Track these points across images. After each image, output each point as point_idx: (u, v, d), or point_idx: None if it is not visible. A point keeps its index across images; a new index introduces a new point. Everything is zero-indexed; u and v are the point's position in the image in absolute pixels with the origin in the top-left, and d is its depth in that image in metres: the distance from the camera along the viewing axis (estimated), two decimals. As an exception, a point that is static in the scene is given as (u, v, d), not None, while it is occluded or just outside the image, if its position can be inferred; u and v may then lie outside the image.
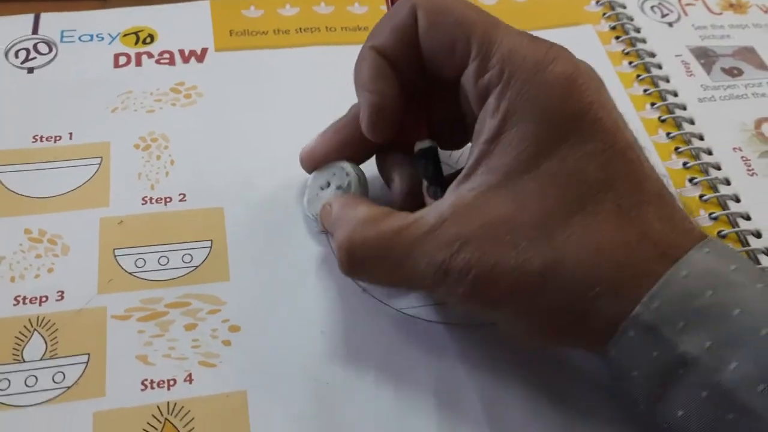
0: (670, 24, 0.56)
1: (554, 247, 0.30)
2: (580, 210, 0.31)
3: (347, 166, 0.39)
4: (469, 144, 0.35)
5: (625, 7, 0.57)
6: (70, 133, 0.44)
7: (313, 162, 0.41)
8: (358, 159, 0.40)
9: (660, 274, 0.29)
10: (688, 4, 0.58)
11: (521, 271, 0.30)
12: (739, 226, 0.44)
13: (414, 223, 0.33)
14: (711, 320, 0.29)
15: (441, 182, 0.36)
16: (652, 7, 0.57)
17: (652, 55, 0.53)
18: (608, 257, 0.30)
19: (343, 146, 0.40)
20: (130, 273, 0.38)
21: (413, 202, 0.36)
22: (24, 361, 0.35)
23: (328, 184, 0.40)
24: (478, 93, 0.33)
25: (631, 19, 0.56)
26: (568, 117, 0.31)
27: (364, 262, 0.34)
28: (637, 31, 0.55)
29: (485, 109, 0.33)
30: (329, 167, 0.40)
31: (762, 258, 0.42)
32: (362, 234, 0.34)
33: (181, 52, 0.50)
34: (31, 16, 0.51)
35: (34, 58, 0.49)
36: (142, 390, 0.35)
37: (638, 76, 0.52)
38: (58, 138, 0.44)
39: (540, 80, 0.32)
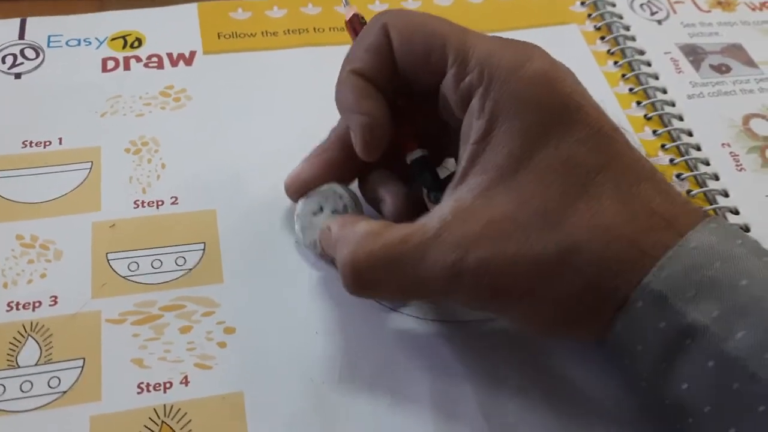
0: (659, 22, 0.57)
1: (565, 232, 0.31)
2: (583, 194, 0.31)
3: (339, 188, 0.39)
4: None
5: (614, 6, 0.57)
6: (60, 138, 0.44)
7: (301, 187, 0.40)
8: (345, 181, 0.40)
9: (669, 245, 0.30)
10: (676, 2, 0.59)
11: (539, 260, 0.31)
12: (728, 221, 0.44)
13: (418, 230, 0.33)
14: (719, 290, 0.29)
15: (441, 188, 0.36)
16: (641, 5, 0.57)
17: (641, 52, 0.54)
18: (618, 234, 0.30)
19: (330, 168, 0.39)
20: (123, 277, 0.38)
21: (407, 220, 0.36)
22: (19, 367, 0.35)
23: (321, 209, 0.39)
24: (459, 97, 0.34)
25: (621, 18, 0.56)
26: (553, 108, 0.32)
27: (371, 277, 0.34)
28: (626, 29, 0.55)
29: (470, 112, 0.33)
30: (318, 192, 0.39)
31: (753, 252, 0.42)
32: (366, 248, 0.33)
33: (170, 55, 0.50)
34: (17, 21, 0.51)
35: (21, 63, 0.48)
36: (139, 393, 0.34)
37: (624, 75, 0.52)
38: (47, 143, 0.44)
39: (520, 77, 0.32)
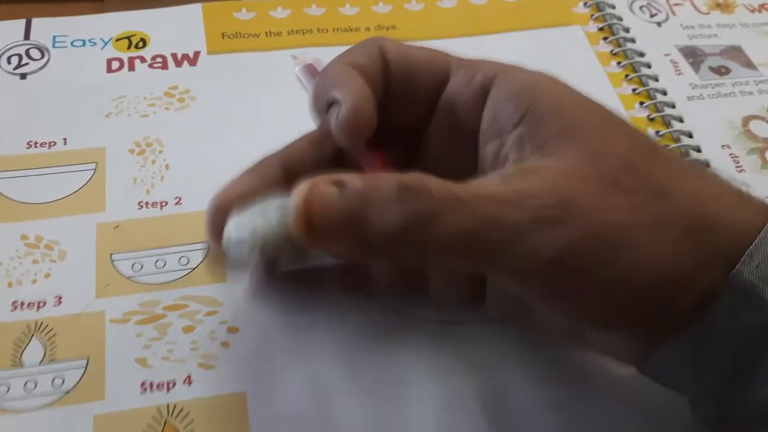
0: (659, 24, 0.57)
1: (662, 189, 0.28)
2: (660, 159, 0.29)
3: (279, 198, 0.29)
4: None
5: (614, 8, 0.57)
6: (65, 139, 0.44)
7: (230, 205, 0.32)
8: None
9: (757, 228, 0.27)
10: (676, 4, 0.59)
11: (646, 224, 0.27)
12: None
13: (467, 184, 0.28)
14: None
15: None
16: (641, 8, 0.58)
17: (641, 54, 0.54)
18: (706, 206, 0.28)
19: (268, 184, 0.33)
20: (127, 277, 0.39)
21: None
22: (23, 366, 0.35)
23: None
24: (472, 93, 0.32)
25: (620, 19, 0.56)
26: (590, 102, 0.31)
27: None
28: (626, 31, 0.56)
29: (493, 102, 0.31)
30: (249, 211, 0.30)
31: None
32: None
33: (174, 56, 0.50)
34: (22, 22, 0.51)
35: (27, 63, 0.49)
36: (142, 392, 0.35)
37: (627, 75, 0.52)
38: (52, 144, 0.44)
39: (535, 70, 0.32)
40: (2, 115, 0.46)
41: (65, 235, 0.40)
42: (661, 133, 0.49)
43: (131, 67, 0.49)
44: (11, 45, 0.50)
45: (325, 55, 0.50)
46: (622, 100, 0.51)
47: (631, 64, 0.53)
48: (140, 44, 0.51)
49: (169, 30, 0.52)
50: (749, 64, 0.54)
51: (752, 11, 0.59)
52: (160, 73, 0.49)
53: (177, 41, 0.51)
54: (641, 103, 0.51)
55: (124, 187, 0.42)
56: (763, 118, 0.50)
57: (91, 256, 0.39)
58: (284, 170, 0.33)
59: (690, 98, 0.51)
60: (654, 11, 0.58)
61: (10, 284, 0.38)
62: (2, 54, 0.49)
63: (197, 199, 0.42)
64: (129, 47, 0.51)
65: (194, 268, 0.39)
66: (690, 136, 0.49)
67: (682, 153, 0.48)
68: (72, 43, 0.51)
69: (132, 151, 0.44)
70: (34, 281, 0.38)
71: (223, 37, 0.52)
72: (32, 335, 0.36)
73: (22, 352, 0.35)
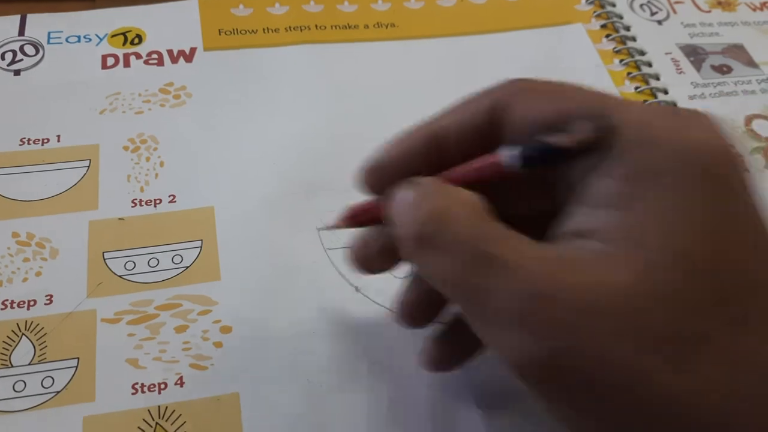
0: (659, 22, 0.56)
1: (690, 355, 0.23)
2: (728, 311, 0.23)
3: None
4: None
5: (614, 6, 0.57)
6: (58, 136, 0.44)
7: (381, 178, 0.31)
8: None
9: None
10: (676, 2, 0.58)
11: (640, 379, 0.23)
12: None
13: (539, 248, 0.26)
14: None
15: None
16: (641, 6, 0.57)
17: (642, 53, 0.53)
18: (756, 385, 0.23)
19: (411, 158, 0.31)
20: (119, 276, 0.38)
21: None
22: (12, 366, 0.35)
23: None
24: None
25: (621, 18, 0.56)
26: (724, 190, 0.25)
27: (444, 241, 0.26)
28: (627, 29, 0.55)
29: (602, 173, 0.26)
30: None
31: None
32: (465, 212, 0.27)
33: (170, 52, 0.50)
34: (17, 18, 0.51)
35: (21, 59, 0.48)
36: (133, 394, 0.34)
37: (629, 73, 0.52)
38: (45, 141, 0.44)
39: (679, 141, 0.25)
40: (-5, 111, 0.45)
41: (57, 232, 0.40)
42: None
43: (126, 64, 0.49)
44: (5, 41, 0.49)
45: (323, 53, 0.51)
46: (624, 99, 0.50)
47: (634, 62, 0.53)
48: (136, 40, 0.50)
49: (165, 26, 0.52)
50: (751, 63, 0.54)
51: (754, 9, 0.58)
52: (155, 70, 0.49)
53: (173, 37, 0.51)
54: (644, 102, 0.50)
55: (117, 185, 0.42)
56: (766, 117, 0.50)
57: (83, 254, 0.39)
58: (431, 140, 0.31)
59: (692, 97, 0.51)
60: (654, 9, 0.57)
61: (0, 283, 0.37)
62: (-4, 50, 0.49)
63: (192, 197, 0.42)
64: (124, 43, 0.50)
65: (187, 267, 0.39)
66: (692, 135, 0.48)
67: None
68: (67, 39, 0.50)
69: (126, 148, 0.44)
70: (25, 279, 0.38)
71: (219, 34, 0.51)
72: (22, 335, 0.36)
73: (12, 352, 0.35)
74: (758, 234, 0.25)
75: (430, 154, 0.30)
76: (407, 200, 0.28)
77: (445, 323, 0.34)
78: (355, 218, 0.34)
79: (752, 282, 0.24)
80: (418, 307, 0.33)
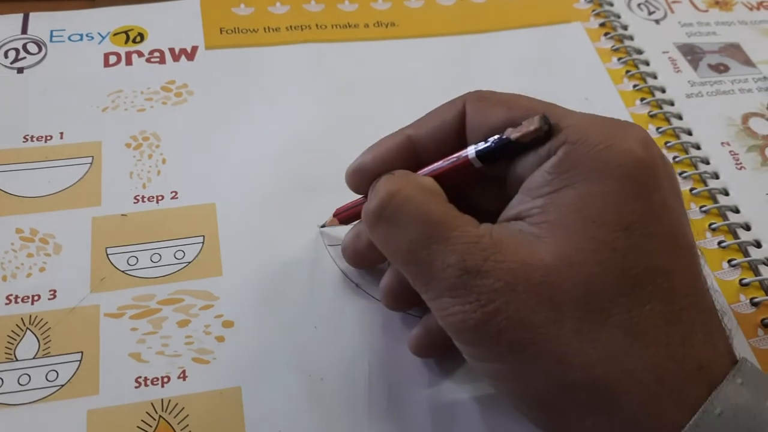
0: (657, 21, 0.57)
1: (594, 325, 0.27)
2: (631, 291, 0.27)
3: None
4: None
5: (612, 5, 0.57)
6: (61, 133, 0.44)
7: (363, 177, 0.35)
8: None
9: (694, 402, 0.27)
10: (674, 2, 0.59)
11: (554, 342, 0.27)
12: (729, 219, 0.44)
13: (465, 221, 0.30)
14: None
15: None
16: (638, 5, 0.58)
17: (640, 51, 0.54)
18: (647, 356, 0.27)
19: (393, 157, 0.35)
20: (122, 271, 0.38)
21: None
22: (17, 360, 0.35)
23: None
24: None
25: (619, 17, 0.56)
26: (640, 190, 0.29)
27: (396, 216, 0.31)
28: (625, 28, 0.55)
29: (544, 167, 0.30)
30: None
31: (752, 251, 0.43)
32: (417, 192, 0.31)
33: (172, 50, 0.50)
34: (20, 16, 0.51)
35: (24, 58, 0.48)
36: (136, 387, 0.35)
37: (627, 72, 0.52)
38: (48, 138, 0.44)
39: (608, 149, 0.29)
40: (-1, 109, 0.46)
41: (60, 228, 0.40)
42: (662, 129, 0.49)
43: (128, 62, 0.49)
44: (8, 39, 0.49)
45: (323, 52, 0.51)
46: (622, 97, 0.51)
47: (632, 61, 0.53)
48: (138, 39, 0.51)
49: (166, 24, 0.52)
50: (748, 62, 0.54)
51: (751, 9, 0.59)
52: (157, 68, 0.49)
53: (175, 36, 0.51)
54: (642, 100, 0.50)
55: (120, 181, 0.42)
56: (762, 115, 0.50)
57: (86, 249, 0.39)
58: (407, 143, 0.35)
59: (689, 96, 0.51)
60: (652, 9, 0.58)
61: (4, 278, 0.38)
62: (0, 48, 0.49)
63: (193, 193, 0.42)
64: (126, 41, 0.50)
65: (189, 262, 0.39)
66: (689, 133, 0.49)
67: (683, 149, 0.48)
68: (69, 38, 0.50)
69: (128, 145, 0.44)
70: (29, 275, 0.38)
71: (221, 32, 0.52)
72: (26, 329, 0.36)
73: (16, 346, 0.35)
74: (665, 227, 0.29)
75: (406, 156, 0.34)
76: (374, 185, 0.33)
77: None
78: (342, 215, 0.39)
79: (654, 268, 0.28)
80: (396, 290, 0.36)
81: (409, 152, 0.34)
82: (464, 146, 0.33)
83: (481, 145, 0.32)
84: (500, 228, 0.29)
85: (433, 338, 0.35)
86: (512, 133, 0.30)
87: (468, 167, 0.32)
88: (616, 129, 0.30)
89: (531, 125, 0.30)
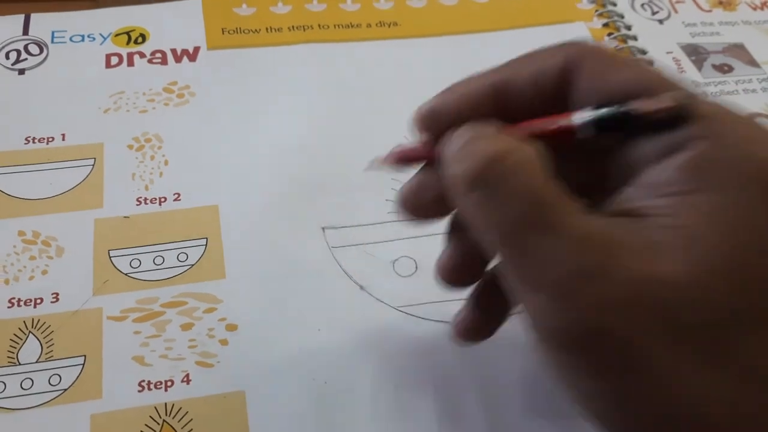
0: (661, 21, 0.57)
1: (715, 359, 0.23)
2: (764, 329, 0.23)
3: None
4: None
5: (615, 5, 0.57)
6: (63, 135, 0.44)
7: (434, 121, 0.30)
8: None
9: None
10: (678, 2, 0.58)
11: (665, 371, 0.23)
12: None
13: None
14: None
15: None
16: (642, 5, 0.57)
17: (644, 52, 0.54)
18: (756, 403, 0.23)
19: (473, 104, 0.29)
20: (125, 274, 0.38)
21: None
22: (19, 364, 0.35)
23: None
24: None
25: (622, 17, 0.56)
26: None
27: (500, 187, 0.25)
28: (628, 28, 0.55)
29: (673, 161, 0.25)
30: None
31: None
32: (527, 161, 0.25)
33: (174, 51, 0.50)
34: (21, 17, 0.51)
35: (25, 59, 0.48)
36: (140, 391, 0.34)
37: (630, 72, 0.52)
38: (50, 139, 0.44)
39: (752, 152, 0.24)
40: (0, 110, 0.45)
41: (63, 231, 0.40)
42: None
43: (130, 63, 0.49)
44: (10, 40, 0.49)
45: (326, 53, 0.51)
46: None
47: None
48: (139, 39, 0.51)
49: (168, 25, 0.52)
50: (752, 62, 0.54)
51: (755, 9, 0.59)
52: (159, 69, 0.49)
53: (177, 37, 0.51)
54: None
55: (122, 183, 0.42)
56: (767, 116, 0.50)
57: (89, 252, 0.39)
58: (494, 90, 0.29)
59: (693, 96, 0.51)
60: (656, 9, 0.57)
61: (6, 281, 0.38)
62: (1, 49, 0.49)
63: (197, 195, 0.42)
64: (128, 42, 0.50)
65: (193, 265, 0.39)
66: (693, 134, 0.49)
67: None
68: (71, 39, 0.50)
69: (131, 147, 0.44)
70: (31, 278, 0.38)
71: (223, 33, 0.52)
72: (29, 333, 0.36)
73: (19, 349, 0.35)
74: None
75: (491, 105, 0.28)
76: (467, 138, 0.26)
77: (474, 291, 0.33)
78: (404, 157, 0.31)
79: None
80: (457, 264, 0.32)
81: (499, 100, 0.28)
82: (563, 104, 0.27)
83: (599, 112, 0.26)
84: (617, 224, 0.25)
85: (490, 318, 0.32)
86: (642, 106, 0.25)
87: (572, 133, 0.27)
88: (755, 131, 0.25)
89: (666, 102, 0.25)
